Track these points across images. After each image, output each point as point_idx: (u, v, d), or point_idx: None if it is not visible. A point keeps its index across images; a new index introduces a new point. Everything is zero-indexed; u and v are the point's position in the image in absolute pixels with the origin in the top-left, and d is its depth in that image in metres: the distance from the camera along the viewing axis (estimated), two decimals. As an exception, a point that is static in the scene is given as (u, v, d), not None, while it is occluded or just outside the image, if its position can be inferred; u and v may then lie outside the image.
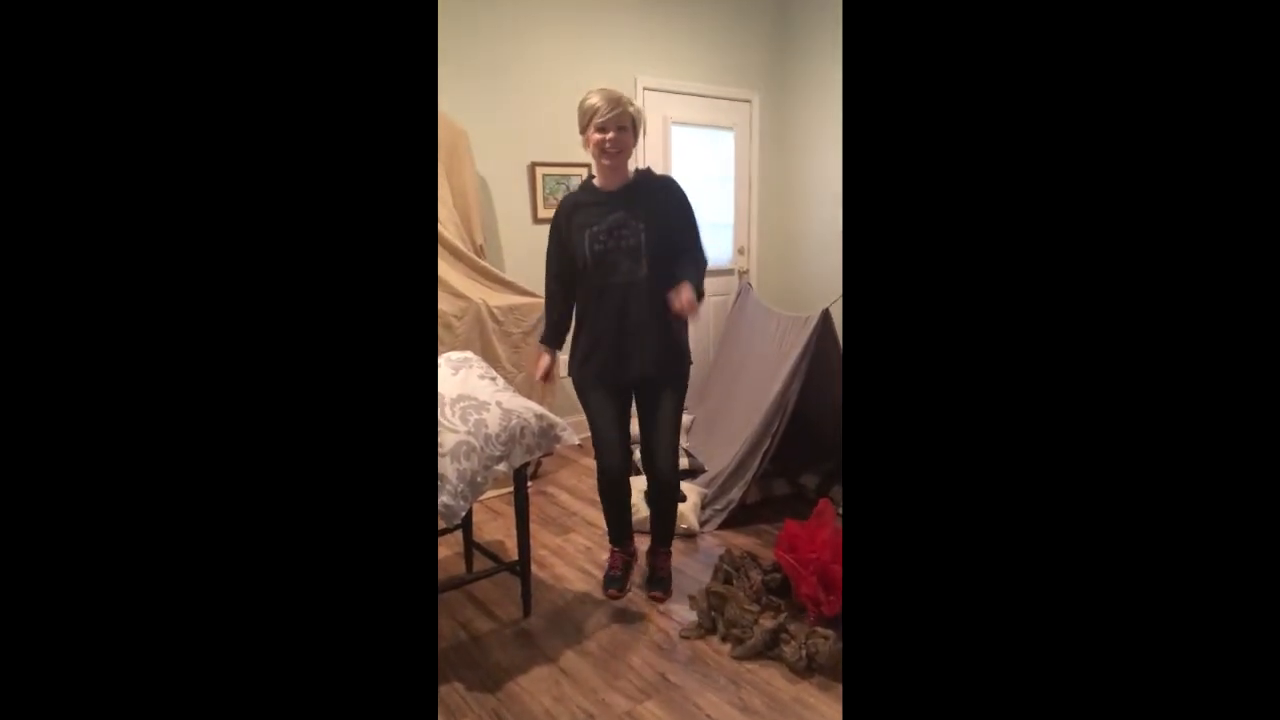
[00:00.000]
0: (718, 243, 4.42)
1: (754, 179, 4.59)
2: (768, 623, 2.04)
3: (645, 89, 3.93)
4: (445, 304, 2.94)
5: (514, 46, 3.44)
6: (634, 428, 2.23)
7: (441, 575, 2.45)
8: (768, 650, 1.98)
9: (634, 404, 2.20)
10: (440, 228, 3.08)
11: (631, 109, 1.97)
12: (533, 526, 2.65)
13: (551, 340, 2.25)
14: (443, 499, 1.77)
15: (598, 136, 1.94)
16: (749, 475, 2.80)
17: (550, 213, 3.64)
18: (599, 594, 2.32)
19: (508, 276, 3.25)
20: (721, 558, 2.36)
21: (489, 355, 2.99)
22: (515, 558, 2.18)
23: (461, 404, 1.89)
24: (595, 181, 2.09)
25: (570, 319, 2.20)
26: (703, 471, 3.12)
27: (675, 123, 4.11)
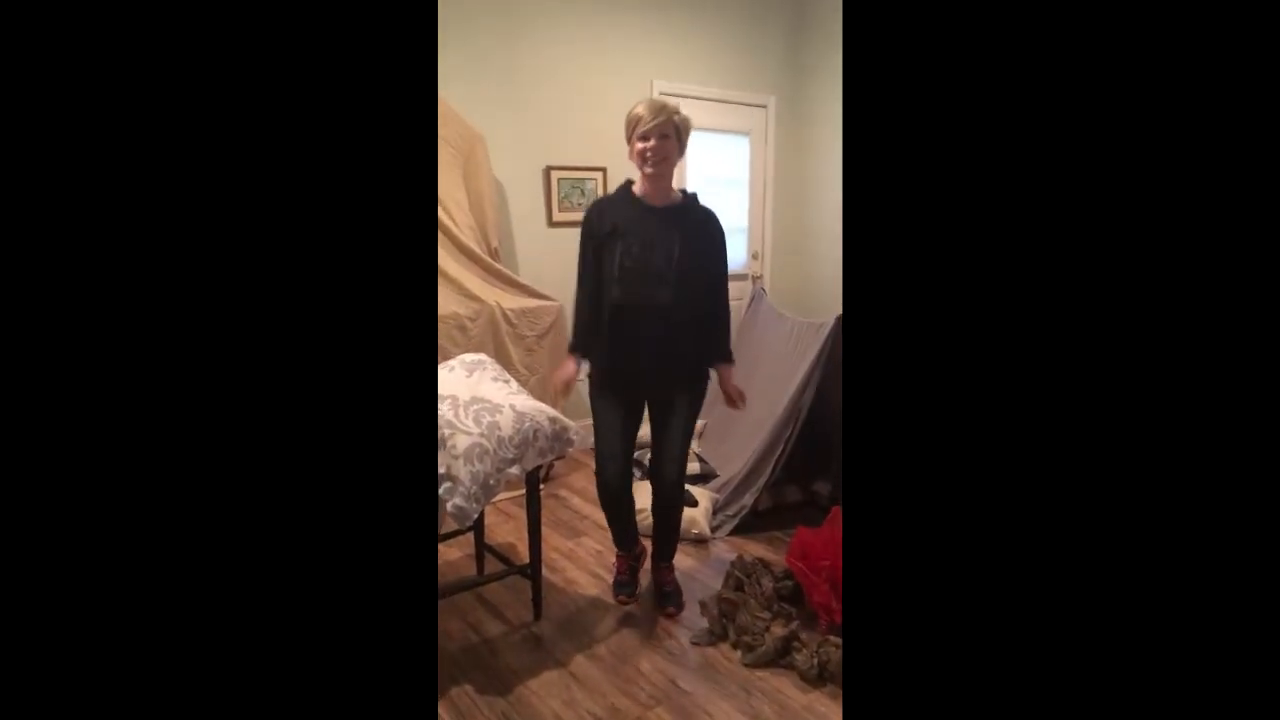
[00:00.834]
0: (732, 247, 4.38)
1: (769, 183, 4.58)
2: (779, 630, 2.02)
3: (661, 93, 3.93)
4: (459, 306, 2.95)
5: (531, 51, 3.46)
6: (644, 432, 2.22)
7: (453, 577, 2.46)
8: (779, 658, 1.97)
9: (646, 412, 2.19)
10: (457, 231, 3.10)
11: (676, 118, 1.94)
12: (544, 530, 2.65)
13: (580, 347, 2.15)
14: (455, 501, 1.78)
15: (640, 145, 1.94)
16: (761, 481, 2.79)
17: (565, 216, 3.71)
18: (610, 598, 2.32)
19: (522, 279, 3.26)
20: (733, 564, 2.35)
21: (502, 358, 3.00)
22: (526, 561, 2.18)
23: (475, 406, 1.90)
24: (636, 189, 2.06)
25: (600, 328, 2.08)
26: (715, 477, 3.11)
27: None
